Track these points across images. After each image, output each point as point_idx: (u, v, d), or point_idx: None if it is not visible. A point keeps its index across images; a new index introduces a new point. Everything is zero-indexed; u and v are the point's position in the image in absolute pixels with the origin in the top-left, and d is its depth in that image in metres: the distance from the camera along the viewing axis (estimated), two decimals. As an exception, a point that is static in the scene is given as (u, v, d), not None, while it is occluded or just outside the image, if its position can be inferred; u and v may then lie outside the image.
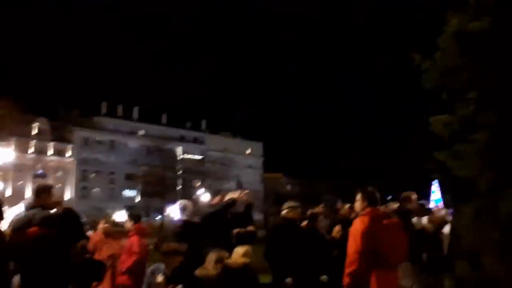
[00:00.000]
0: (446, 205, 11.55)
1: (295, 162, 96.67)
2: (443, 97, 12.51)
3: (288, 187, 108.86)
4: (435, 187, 42.46)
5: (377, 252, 6.65)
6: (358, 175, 67.17)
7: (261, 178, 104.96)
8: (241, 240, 8.79)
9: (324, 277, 8.87)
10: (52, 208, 6.76)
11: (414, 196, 9.46)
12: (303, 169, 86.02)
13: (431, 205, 40.44)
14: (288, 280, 8.35)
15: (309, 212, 9.88)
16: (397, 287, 6.94)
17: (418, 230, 9.15)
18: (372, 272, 6.66)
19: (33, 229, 6.30)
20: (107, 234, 10.56)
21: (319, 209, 10.44)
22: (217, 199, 9.32)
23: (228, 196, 9.13)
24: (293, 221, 8.95)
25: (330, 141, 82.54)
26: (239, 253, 8.05)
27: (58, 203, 7.16)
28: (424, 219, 9.48)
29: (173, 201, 67.33)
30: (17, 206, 10.73)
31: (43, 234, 6.28)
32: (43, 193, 6.80)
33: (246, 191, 9.79)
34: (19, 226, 6.42)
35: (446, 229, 10.10)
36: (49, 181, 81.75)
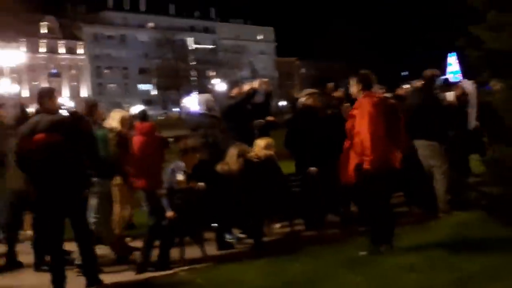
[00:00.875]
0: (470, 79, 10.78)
1: (308, 45, 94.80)
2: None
3: (303, 71, 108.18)
4: (453, 60, 41.71)
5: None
6: (373, 55, 66.04)
7: (275, 64, 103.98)
8: (263, 131, 8.51)
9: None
10: (56, 113, 6.39)
11: (436, 72, 8.98)
12: (317, 51, 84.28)
13: (449, 77, 39.86)
14: (312, 169, 8.09)
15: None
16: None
17: (444, 106, 8.77)
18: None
19: (39, 135, 5.95)
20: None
21: (339, 93, 10.02)
22: (236, 90, 8.93)
23: (247, 87, 8.72)
24: (312, 108, 8.56)
25: (343, 20, 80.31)
26: (260, 145, 7.80)
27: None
28: (450, 95, 9.05)
29: (189, 93, 67.44)
30: (34, 106, 10.42)
31: (50, 140, 5.94)
32: (46, 97, 6.37)
33: (265, 79, 9.38)
34: (24, 133, 6.06)
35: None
36: (64, 79, 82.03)
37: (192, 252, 7.30)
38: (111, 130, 7.45)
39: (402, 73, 76.55)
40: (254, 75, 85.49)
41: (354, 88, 6.94)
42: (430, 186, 8.59)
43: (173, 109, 76.27)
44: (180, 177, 7.00)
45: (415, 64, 71.78)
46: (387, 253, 6.56)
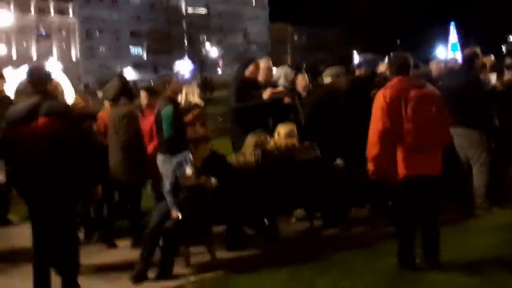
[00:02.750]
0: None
1: (301, 10, 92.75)
2: None
3: (295, 38, 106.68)
4: (452, 29, 40.56)
5: (403, 132, 5.39)
6: (371, 21, 64.62)
7: (268, 30, 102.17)
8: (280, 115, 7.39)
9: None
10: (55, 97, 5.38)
11: (477, 51, 7.89)
12: (311, 17, 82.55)
13: (449, 47, 38.60)
14: (339, 161, 7.04)
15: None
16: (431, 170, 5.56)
17: (488, 90, 7.71)
18: (396, 157, 5.48)
19: (41, 120, 4.89)
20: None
21: (361, 71, 8.92)
22: (251, 68, 7.64)
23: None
24: (338, 91, 7.49)
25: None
26: (281, 134, 6.73)
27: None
28: (493, 77, 7.98)
29: (181, 57, 66.24)
30: (22, 67, 9.43)
31: (53, 126, 4.88)
32: (46, 81, 5.30)
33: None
34: (20, 116, 5.00)
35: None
36: (53, 41, 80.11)
37: (199, 253, 6.35)
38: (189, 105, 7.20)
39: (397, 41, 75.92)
40: (247, 41, 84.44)
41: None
42: (467, 180, 7.62)
43: (164, 74, 74.85)
44: (188, 171, 5.94)
45: (411, 33, 71.45)
46: (433, 267, 5.61)
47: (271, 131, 6.94)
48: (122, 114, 6.93)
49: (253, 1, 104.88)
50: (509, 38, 77.46)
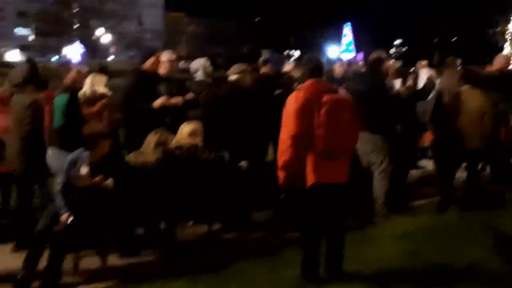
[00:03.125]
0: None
1: (200, 0, 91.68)
2: None
3: (191, 28, 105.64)
4: (347, 30, 41.66)
5: (315, 137, 5.17)
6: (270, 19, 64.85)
7: (163, 18, 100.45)
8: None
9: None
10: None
11: (383, 55, 7.85)
12: (210, 8, 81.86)
13: (342, 48, 39.51)
14: (243, 163, 6.75)
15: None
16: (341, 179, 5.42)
17: (392, 96, 7.68)
18: (308, 163, 5.24)
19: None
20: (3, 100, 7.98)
21: (266, 69, 8.68)
22: (151, 60, 7.15)
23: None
24: (244, 89, 7.19)
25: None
26: (184, 133, 6.34)
27: None
28: (397, 83, 7.95)
29: (71, 42, 63.62)
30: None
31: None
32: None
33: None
34: None
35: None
36: None
37: (90, 260, 5.80)
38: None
39: (290, 39, 76.83)
40: (141, 29, 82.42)
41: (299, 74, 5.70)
42: (367, 186, 7.56)
43: (52, 59, 71.71)
44: (83, 170, 5.43)
45: (307, 31, 72.51)
46: (336, 279, 5.45)
47: (172, 129, 6.52)
48: (27, 102, 6.24)
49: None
50: (395, 42, 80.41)
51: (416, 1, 61.25)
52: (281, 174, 5.33)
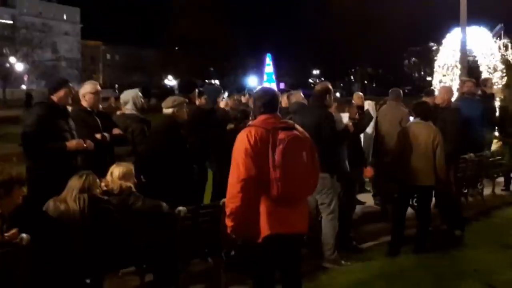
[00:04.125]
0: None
1: (116, 28, 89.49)
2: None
3: (108, 56, 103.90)
4: (269, 60, 41.76)
5: (269, 181, 4.44)
6: (187, 45, 64.22)
7: (79, 46, 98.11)
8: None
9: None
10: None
11: (329, 87, 7.28)
12: (126, 36, 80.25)
13: (265, 78, 39.55)
14: (181, 208, 5.90)
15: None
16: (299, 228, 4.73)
17: (340, 131, 7.10)
18: (262, 211, 4.52)
19: None
20: None
21: (202, 101, 7.98)
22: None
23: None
24: (181, 124, 6.45)
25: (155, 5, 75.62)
26: (115, 175, 5.51)
27: None
28: (345, 117, 7.38)
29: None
30: None
31: None
32: None
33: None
34: None
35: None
36: None
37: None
38: None
39: (209, 69, 76.41)
40: (57, 57, 79.84)
41: (254, 108, 4.96)
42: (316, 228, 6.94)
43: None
44: (-9, 224, 4.49)
45: (226, 60, 72.20)
46: None
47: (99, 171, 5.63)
48: None
49: (64, 16, 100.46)
50: (313, 71, 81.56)
51: (332, 32, 62.03)
52: (229, 224, 4.56)
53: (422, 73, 66.58)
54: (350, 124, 7.30)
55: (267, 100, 4.77)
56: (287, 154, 4.46)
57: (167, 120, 6.43)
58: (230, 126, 7.42)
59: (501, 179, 11.27)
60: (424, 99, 10.53)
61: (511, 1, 29.96)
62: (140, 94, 7.22)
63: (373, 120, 8.93)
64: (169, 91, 40.20)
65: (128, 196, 5.50)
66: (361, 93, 11.15)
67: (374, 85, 69.74)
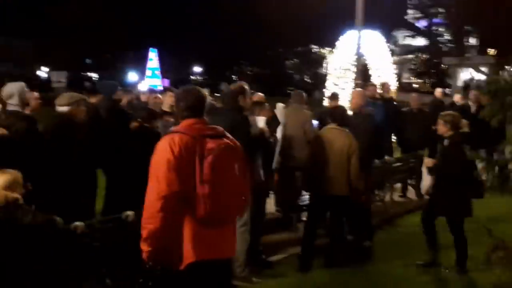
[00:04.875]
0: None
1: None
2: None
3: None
4: (153, 55, 40.76)
5: (195, 198, 3.75)
6: (66, 33, 61.27)
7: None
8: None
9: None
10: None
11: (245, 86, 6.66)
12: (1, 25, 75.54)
13: (148, 73, 38.56)
14: (77, 224, 5.03)
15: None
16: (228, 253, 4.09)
17: (256, 137, 6.52)
18: (185, 233, 3.82)
19: None
20: None
21: (96, 99, 7.12)
22: None
23: None
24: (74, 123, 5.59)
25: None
26: (-1, 184, 4.59)
27: None
28: (260, 120, 6.77)
29: None
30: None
31: None
32: None
33: None
34: None
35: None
36: None
37: None
38: None
39: (87, 60, 73.30)
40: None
41: (176, 109, 4.23)
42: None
43: None
44: None
45: (105, 53, 69.26)
46: None
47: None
48: None
49: None
50: (195, 69, 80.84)
51: (219, 29, 61.60)
52: (145, 248, 3.78)
53: (307, 76, 67.71)
54: (266, 128, 6.72)
55: (192, 102, 4.05)
56: (217, 167, 3.77)
57: (61, 120, 5.53)
58: (135, 124, 6.58)
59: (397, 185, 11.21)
60: (330, 103, 10.26)
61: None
62: (26, 88, 6.26)
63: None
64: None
65: (15, 210, 4.58)
66: (262, 94, 10.61)
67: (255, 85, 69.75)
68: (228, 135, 4.09)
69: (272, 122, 7.51)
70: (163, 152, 3.78)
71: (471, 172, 6.85)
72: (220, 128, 4.10)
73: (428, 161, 7.41)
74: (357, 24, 14.48)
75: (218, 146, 3.82)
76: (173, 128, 4.04)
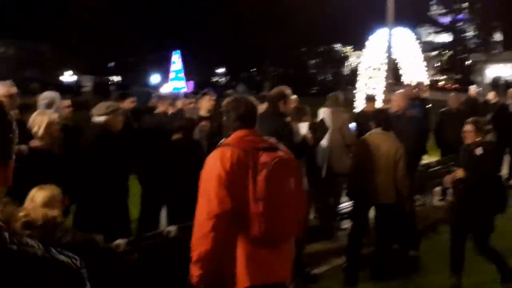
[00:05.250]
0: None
1: (8, 22, 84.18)
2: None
3: (2, 50, 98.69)
4: (176, 58, 40.57)
5: (250, 217, 3.47)
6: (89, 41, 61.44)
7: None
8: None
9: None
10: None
11: (288, 92, 6.34)
12: (21, 29, 75.76)
13: (172, 75, 38.32)
14: (119, 242, 4.78)
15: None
16: (284, 276, 3.76)
17: (300, 143, 6.21)
18: (239, 255, 3.53)
19: None
20: None
21: (129, 104, 6.86)
22: None
23: None
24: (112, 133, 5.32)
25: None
26: (37, 201, 4.32)
27: None
28: (303, 127, 6.47)
29: None
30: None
31: None
32: None
33: None
34: None
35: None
36: None
37: None
38: None
39: (109, 64, 73.54)
40: None
41: (227, 121, 3.90)
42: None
43: None
44: None
45: (128, 56, 69.43)
46: None
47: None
48: None
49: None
50: (218, 70, 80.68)
51: (240, 29, 61.31)
52: (196, 272, 3.50)
53: (331, 75, 67.16)
54: (310, 135, 6.40)
55: (243, 111, 3.76)
56: (272, 182, 3.48)
57: (99, 130, 5.26)
58: (177, 136, 6.29)
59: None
60: (367, 105, 9.87)
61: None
62: (57, 95, 6.03)
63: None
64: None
65: (54, 229, 4.32)
66: (295, 96, 10.15)
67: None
68: (283, 146, 3.79)
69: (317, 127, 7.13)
70: (213, 168, 3.50)
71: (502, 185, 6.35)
72: (274, 140, 3.80)
73: (460, 172, 6.30)
74: (388, 22, 14.10)
75: (272, 160, 3.52)
76: (223, 141, 3.75)
